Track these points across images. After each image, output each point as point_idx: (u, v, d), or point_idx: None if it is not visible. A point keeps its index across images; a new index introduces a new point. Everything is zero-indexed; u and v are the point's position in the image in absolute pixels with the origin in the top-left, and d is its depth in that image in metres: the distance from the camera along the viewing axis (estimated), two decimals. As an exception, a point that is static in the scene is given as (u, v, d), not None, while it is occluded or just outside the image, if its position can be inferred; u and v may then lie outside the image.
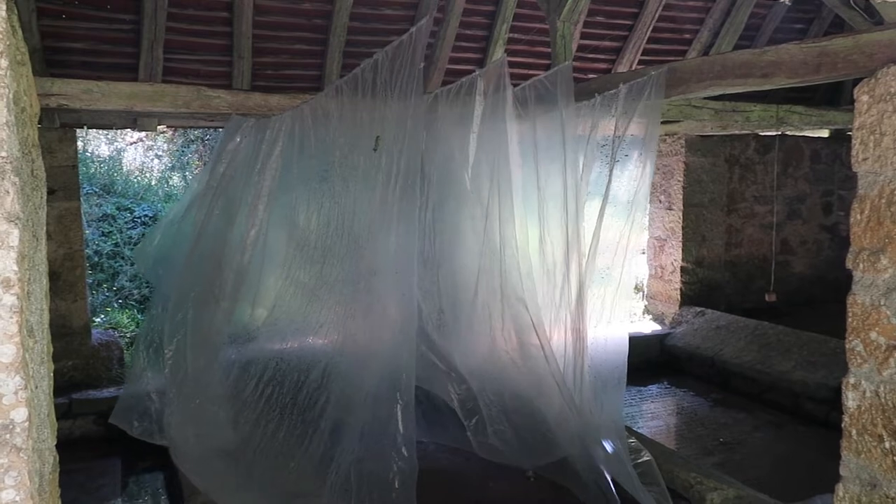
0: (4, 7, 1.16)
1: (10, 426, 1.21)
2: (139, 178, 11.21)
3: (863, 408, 2.38)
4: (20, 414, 1.21)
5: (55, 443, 1.57)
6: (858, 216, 2.40)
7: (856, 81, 2.57)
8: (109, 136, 12.02)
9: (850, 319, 2.42)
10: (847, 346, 2.44)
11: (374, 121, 3.96)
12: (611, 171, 4.11)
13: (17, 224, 1.19)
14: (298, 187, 4.69)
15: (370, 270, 4.03)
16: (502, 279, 4.38)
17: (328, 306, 4.36)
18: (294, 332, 4.56)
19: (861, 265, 2.39)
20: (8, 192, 1.18)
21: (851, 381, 2.42)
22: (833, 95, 7.65)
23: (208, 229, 4.71)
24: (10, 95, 1.20)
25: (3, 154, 1.17)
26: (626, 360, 4.36)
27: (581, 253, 4.20)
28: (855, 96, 2.48)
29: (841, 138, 8.81)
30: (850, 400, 2.43)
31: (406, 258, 3.90)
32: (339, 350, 4.23)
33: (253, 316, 4.82)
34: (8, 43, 1.18)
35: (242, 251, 4.71)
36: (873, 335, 2.34)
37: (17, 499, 1.22)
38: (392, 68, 3.78)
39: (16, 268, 1.19)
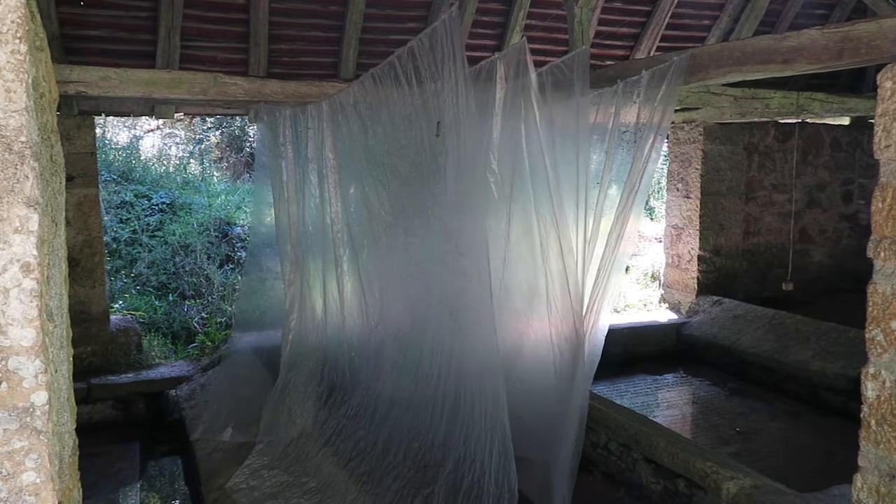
0: (23, -9, 1.16)
1: (31, 409, 1.22)
2: (157, 165, 11.29)
3: (882, 398, 2.36)
4: (40, 397, 1.23)
5: (75, 427, 1.59)
6: (880, 204, 2.37)
7: (879, 67, 2.52)
8: (128, 124, 12.12)
9: (870, 309, 2.40)
10: (867, 335, 2.41)
11: (427, 107, 3.92)
12: (633, 158, 4.03)
13: (36, 209, 1.20)
14: (348, 172, 4.79)
15: (457, 251, 3.98)
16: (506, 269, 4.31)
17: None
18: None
19: (882, 254, 2.35)
20: (27, 177, 1.19)
21: (871, 370, 2.40)
22: (855, 82, 7.55)
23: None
24: (30, 80, 1.20)
25: (23, 139, 1.18)
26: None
27: (587, 241, 4.10)
28: (878, 82, 2.43)
29: (861, 126, 8.69)
30: (870, 390, 2.40)
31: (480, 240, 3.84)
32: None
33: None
34: (27, 28, 1.19)
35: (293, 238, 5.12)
36: (894, 325, 2.31)
37: (38, 481, 1.23)
38: (433, 55, 3.73)
39: (35, 252, 1.20)
